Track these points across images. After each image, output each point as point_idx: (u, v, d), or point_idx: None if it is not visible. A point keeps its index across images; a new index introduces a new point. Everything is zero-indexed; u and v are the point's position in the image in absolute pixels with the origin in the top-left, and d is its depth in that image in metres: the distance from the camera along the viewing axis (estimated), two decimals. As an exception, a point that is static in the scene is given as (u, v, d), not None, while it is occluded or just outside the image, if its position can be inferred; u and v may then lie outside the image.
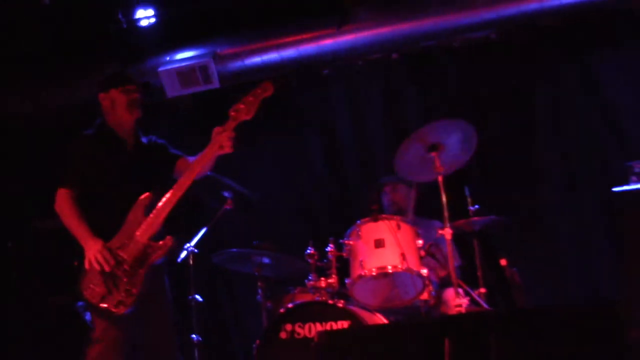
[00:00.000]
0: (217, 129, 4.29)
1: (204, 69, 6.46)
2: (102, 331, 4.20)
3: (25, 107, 6.76)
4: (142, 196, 4.26)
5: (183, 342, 5.20)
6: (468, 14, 6.06)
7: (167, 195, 4.23)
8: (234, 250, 5.34)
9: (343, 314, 4.62)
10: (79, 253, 4.25)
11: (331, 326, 4.59)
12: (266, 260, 5.35)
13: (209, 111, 6.81)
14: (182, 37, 6.61)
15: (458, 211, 5.26)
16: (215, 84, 6.55)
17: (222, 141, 4.25)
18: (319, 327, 4.61)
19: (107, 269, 4.14)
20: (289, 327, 4.67)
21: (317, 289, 4.89)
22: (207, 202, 5.42)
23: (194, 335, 5.17)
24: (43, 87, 6.74)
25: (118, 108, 4.45)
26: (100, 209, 4.31)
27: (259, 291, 5.38)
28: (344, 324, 4.57)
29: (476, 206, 5.38)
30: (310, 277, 4.96)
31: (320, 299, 4.83)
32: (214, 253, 5.42)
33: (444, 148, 5.02)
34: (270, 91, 4.28)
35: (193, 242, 5.37)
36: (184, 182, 4.25)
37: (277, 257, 5.34)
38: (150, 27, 6.57)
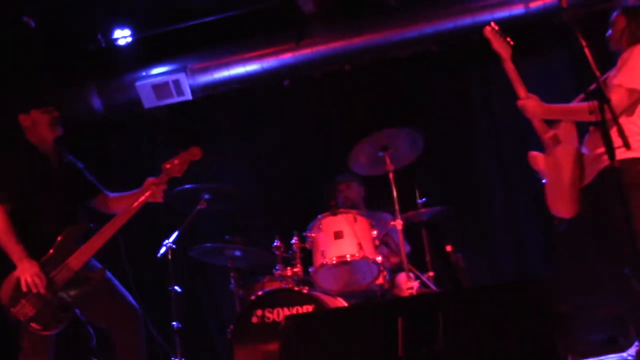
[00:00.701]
0: (151, 180, 4.33)
1: (176, 82, 6.45)
2: (32, 345, 4.09)
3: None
4: (74, 227, 4.19)
5: (165, 330, 5.18)
6: (411, 29, 6.17)
7: (103, 229, 4.17)
8: (208, 245, 5.33)
9: (308, 299, 4.65)
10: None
11: (297, 310, 4.62)
12: (237, 253, 5.34)
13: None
14: (156, 54, 6.59)
15: (407, 204, 5.34)
16: (188, 96, 6.55)
17: (155, 192, 4.30)
18: (286, 311, 4.64)
19: (42, 292, 4.00)
20: (259, 312, 4.69)
21: (284, 278, 4.92)
22: (181, 208, 5.40)
23: (174, 323, 5.15)
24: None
25: (40, 127, 4.29)
26: (29, 225, 4.12)
27: (232, 281, 5.38)
28: (308, 308, 4.61)
29: (424, 199, 5.46)
30: (277, 267, 4.99)
31: (287, 286, 4.85)
32: (190, 248, 5.41)
33: (394, 149, 5.12)
34: (199, 156, 4.38)
35: (171, 239, 5.35)
36: (118, 221, 4.20)
37: (248, 250, 5.34)
38: (127, 45, 6.52)
